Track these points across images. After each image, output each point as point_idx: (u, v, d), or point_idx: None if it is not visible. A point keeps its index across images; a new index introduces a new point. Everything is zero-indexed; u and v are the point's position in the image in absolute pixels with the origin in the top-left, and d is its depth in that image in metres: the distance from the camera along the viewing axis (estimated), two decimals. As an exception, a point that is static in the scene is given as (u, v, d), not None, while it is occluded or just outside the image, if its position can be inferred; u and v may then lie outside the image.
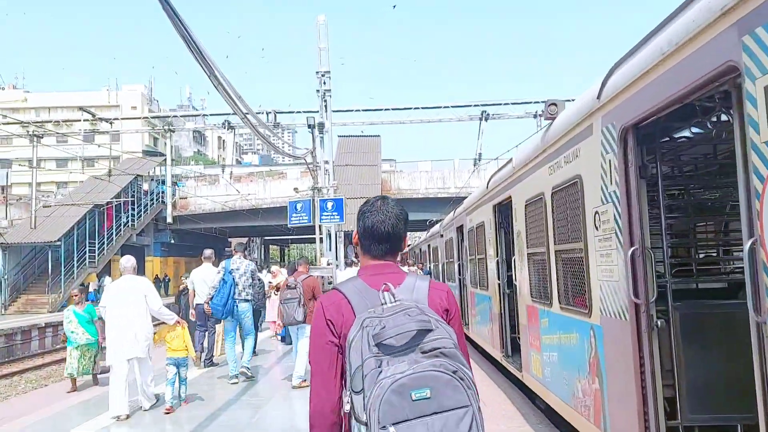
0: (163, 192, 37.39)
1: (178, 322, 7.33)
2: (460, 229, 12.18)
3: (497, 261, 8.19)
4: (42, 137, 33.60)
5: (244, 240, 47.30)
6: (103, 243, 33.57)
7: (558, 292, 5.23)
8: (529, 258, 6.30)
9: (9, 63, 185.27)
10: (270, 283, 12.68)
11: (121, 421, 6.73)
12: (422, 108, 32.94)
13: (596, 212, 4.17)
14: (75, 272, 31.47)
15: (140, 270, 9.60)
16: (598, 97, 4.06)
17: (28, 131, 34.10)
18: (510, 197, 7.05)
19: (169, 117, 52.90)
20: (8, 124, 38.24)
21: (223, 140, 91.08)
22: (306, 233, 26.45)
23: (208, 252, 10.20)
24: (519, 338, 7.07)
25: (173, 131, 38.96)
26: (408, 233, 2.08)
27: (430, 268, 20.25)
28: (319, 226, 16.03)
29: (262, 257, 58.18)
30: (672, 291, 4.00)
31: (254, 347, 9.63)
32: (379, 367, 1.60)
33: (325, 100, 17.22)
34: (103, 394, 7.79)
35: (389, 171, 39.13)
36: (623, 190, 3.68)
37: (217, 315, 8.57)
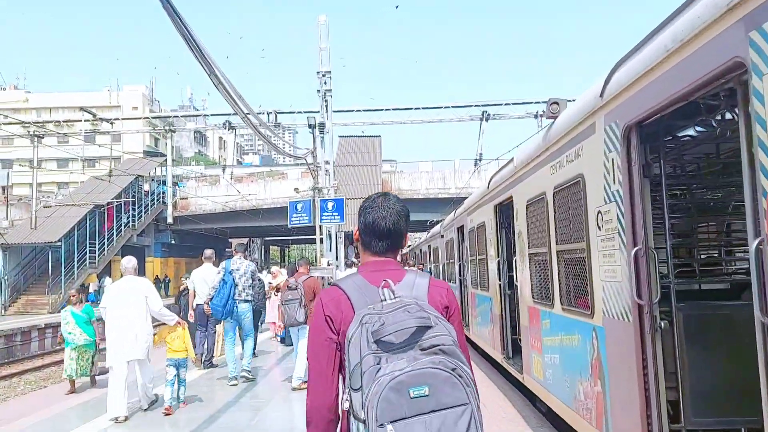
0: (163, 192, 37.40)
1: (179, 323, 7.32)
2: (460, 229, 12.13)
3: (498, 261, 8.14)
4: (43, 137, 33.62)
5: (245, 240, 47.28)
6: (104, 243, 33.60)
7: (560, 293, 5.18)
8: (530, 258, 6.25)
9: (10, 63, 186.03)
10: (270, 283, 12.65)
11: (119, 422, 6.69)
12: (423, 108, 32.87)
13: (599, 212, 4.12)
14: (75, 273, 31.50)
15: (141, 270, 9.56)
16: (601, 95, 4.01)
17: (29, 131, 34.12)
18: (511, 197, 7.01)
19: (170, 117, 53.08)
20: (9, 124, 38.23)
21: (224, 141, 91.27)
22: (306, 234, 26.42)
23: (208, 252, 10.17)
24: (520, 340, 7.02)
25: (174, 132, 39.02)
26: (408, 233, 2.05)
27: (430, 268, 20.18)
28: (320, 227, 15.99)
29: (263, 258, 58.17)
30: (675, 292, 3.96)
31: (254, 348, 9.60)
32: (377, 364, 1.59)
33: (326, 101, 17.17)
34: (102, 395, 7.75)
35: (390, 171, 39.13)
36: (626, 189, 3.64)
37: (217, 315, 8.54)
